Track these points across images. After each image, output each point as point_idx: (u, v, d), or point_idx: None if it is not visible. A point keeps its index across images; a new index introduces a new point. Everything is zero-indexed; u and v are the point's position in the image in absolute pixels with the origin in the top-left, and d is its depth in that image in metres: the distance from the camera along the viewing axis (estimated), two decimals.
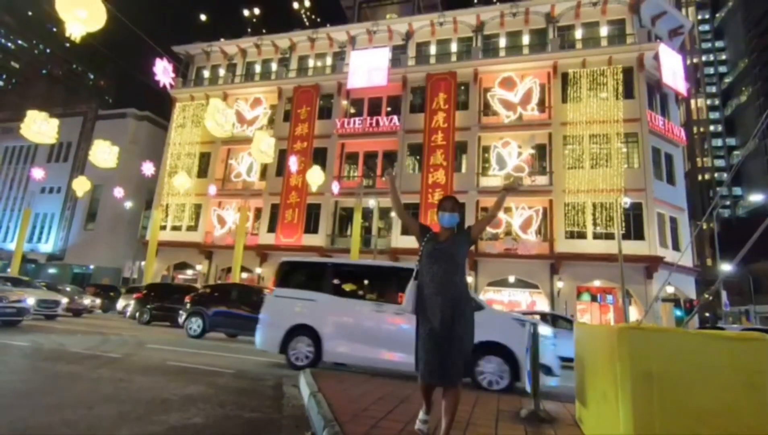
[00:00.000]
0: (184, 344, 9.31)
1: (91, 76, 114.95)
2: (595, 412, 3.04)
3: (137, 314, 15.21)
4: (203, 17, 34.18)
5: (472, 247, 16.84)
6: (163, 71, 14.49)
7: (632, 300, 20.38)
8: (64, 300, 13.79)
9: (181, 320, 12.01)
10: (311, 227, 26.11)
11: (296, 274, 7.27)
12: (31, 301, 10.35)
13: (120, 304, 19.38)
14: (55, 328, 10.77)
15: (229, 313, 11.24)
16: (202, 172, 29.60)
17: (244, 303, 11.35)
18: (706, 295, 6.35)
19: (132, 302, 19.21)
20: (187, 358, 6.98)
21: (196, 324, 11.24)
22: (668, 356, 2.14)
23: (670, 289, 21.06)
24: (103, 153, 19.14)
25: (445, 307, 2.89)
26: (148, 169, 24.82)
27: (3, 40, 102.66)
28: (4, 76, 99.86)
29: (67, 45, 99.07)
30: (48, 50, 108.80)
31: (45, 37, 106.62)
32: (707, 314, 36.44)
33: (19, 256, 25.43)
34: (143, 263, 28.12)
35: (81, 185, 22.79)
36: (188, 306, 11.74)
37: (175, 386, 4.59)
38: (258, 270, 26.46)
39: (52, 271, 36.04)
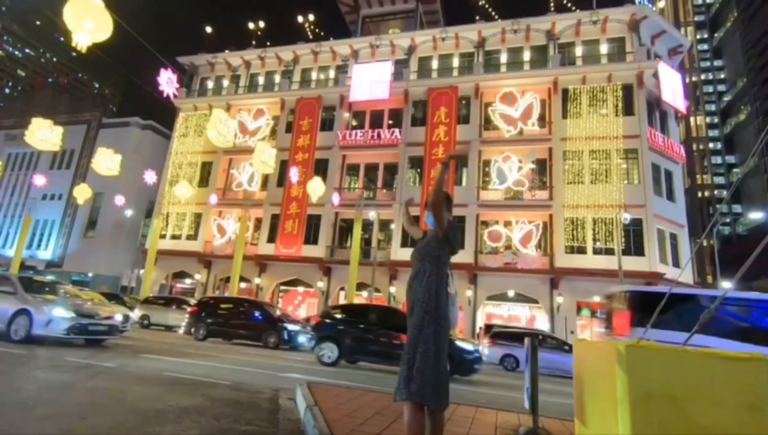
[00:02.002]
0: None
1: (96, 85, 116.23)
2: (594, 431, 3.00)
3: (192, 330, 14.17)
4: (208, 29, 34.46)
5: (472, 260, 16.67)
6: (167, 81, 14.67)
7: None
8: (132, 314, 13.15)
9: (311, 345, 10.76)
10: (311, 238, 26.09)
11: (672, 312, 5.11)
12: (119, 317, 9.37)
13: (136, 313, 19.10)
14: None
15: (368, 340, 9.94)
16: (204, 181, 29.71)
17: (387, 327, 9.89)
18: (708, 313, 6.26)
19: (144, 313, 18.64)
20: (183, 368, 6.91)
21: (329, 350, 9.93)
22: (668, 375, 2.12)
23: None
24: (106, 161, 19.26)
25: (408, 314, 2.71)
26: (150, 177, 24.94)
27: (10, 48, 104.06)
28: (10, 84, 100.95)
29: (74, 54, 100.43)
30: (54, 59, 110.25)
31: (52, 46, 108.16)
32: None
33: (18, 263, 25.42)
34: (142, 272, 28.05)
35: (82, 193, 22.88)
36: (317, 331, 10.43)
37: (171, 397, 4.54)
38: (257, 280, 26.37)
39: (50, 278, 35.90)
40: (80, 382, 5.02)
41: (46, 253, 37.58)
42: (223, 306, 14.86)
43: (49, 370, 5.68)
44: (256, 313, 14.05)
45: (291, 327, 13.36)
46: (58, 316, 8.07)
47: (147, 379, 5.59)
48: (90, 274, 34.56)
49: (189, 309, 15.45)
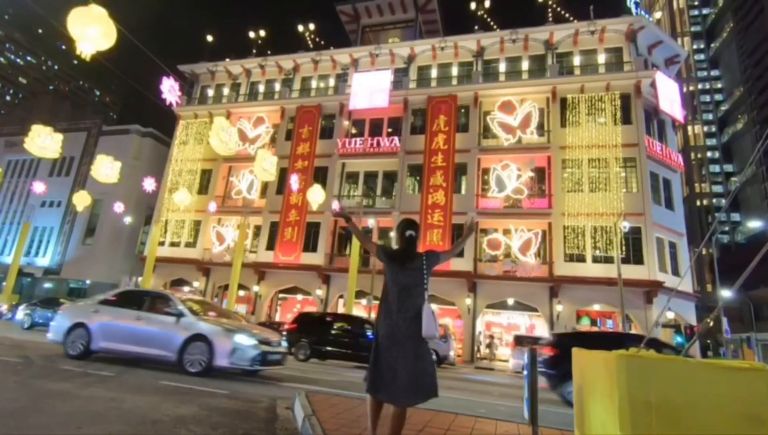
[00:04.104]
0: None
1: (97, 93, 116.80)
2: None
3: (292, 349, 13.15)
4: (209, 38, 34.68)
5: (471, 268, 16.96)
6: (169, 89, 14.76)
7: (632, 325, 20.18)
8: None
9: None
10: (310, 246, 26.06)
11: None
12: (284, 343, 8.46)
13: None
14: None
15: None
16: (203, 188, 29.74)
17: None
18: (707, 320, 6.28)
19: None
20: (180, 377, 6.86)
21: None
22: (668, 385, 2.11)
23: (670, 315, 20.90)
24: (106, 168, 19.21)
25: None
26: (149, 184, 24.93)
27: (12, 56, 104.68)
28: (12, 91, 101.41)
29: (75, 62, 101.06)
30: (56, 66, 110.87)
31: (53, 54, 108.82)
32: (708, 341, 36.06)
33: (16, 270, 25.33)
34: (140, 279, 27.93)
35: (81, 200, 22.81)
36: (550, 363, 8.22)
37: (167, 406, 4.50)
38: (255, 288, 26.28)
39: (47, 285, 35.77)
40: (75, 391, 4.97)
41: (44, 260, 37.47)
42: (327, 323, 14.15)
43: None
44: (369, 333, 13.03)
45: None
46: (242, 344, 7.06)
47: (143, 388, 5.54)
48: (88, 281, 34.43)
49: (286, 326, 14.86)
